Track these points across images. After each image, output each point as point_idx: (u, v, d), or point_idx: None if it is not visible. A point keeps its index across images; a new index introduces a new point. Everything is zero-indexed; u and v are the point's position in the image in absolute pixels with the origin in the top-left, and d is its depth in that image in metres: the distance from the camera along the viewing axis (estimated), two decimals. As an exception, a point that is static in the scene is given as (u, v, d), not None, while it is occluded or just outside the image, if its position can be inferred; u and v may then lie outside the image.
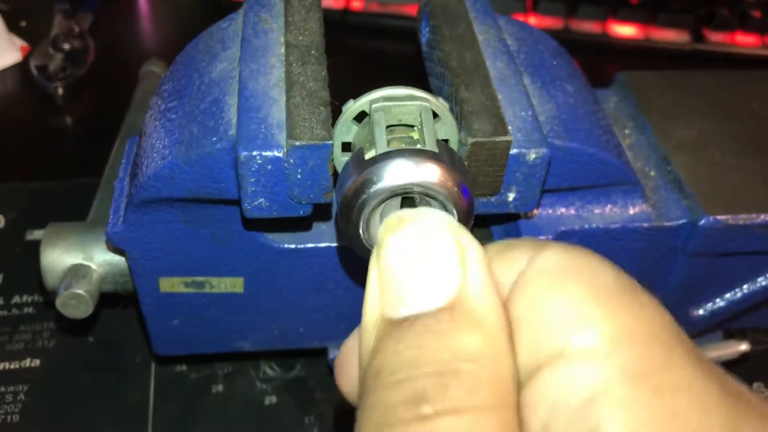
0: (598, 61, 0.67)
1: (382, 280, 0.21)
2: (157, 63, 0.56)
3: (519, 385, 0.20)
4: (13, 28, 0.67)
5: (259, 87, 0.30)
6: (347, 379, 0.24)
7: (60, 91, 0.61)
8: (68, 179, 0.55)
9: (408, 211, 0.22)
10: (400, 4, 0.70)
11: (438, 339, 0.19)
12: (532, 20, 0.70)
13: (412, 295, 0.20)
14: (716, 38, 0.71)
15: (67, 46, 0.63)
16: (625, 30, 0.71)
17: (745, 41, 0.71)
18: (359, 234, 0.26)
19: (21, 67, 0.65)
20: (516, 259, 0.22)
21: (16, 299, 0.48)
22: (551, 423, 0.19)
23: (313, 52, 0.31)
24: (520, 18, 0.68)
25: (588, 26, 0.71)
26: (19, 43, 0.66)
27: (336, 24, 0.70)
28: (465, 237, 0.21)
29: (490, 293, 0.20)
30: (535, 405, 0.19)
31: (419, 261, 0.20)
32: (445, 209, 0.26)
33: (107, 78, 0.64)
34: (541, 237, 0.34)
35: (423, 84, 0.30)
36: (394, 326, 0.20)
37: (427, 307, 0.19)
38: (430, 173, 0.25)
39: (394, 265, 0.21)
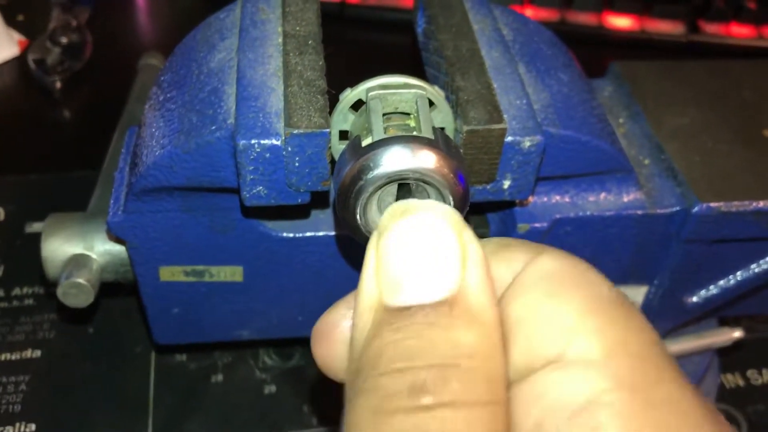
0: (594, 53, 0.68)
1: (380, 265, 0.21)
2: (155, 56, 0.56)
3: (508, 384, 0.20)
4: (10, 22, 0.67)
5: (257, 76, 0.31)
6: (326, 352, 0.24)
7: (58, 84, 0.62)
8: (67, 172, 0.55)
9: (415, 201, 0.22)
10: (396, -3, 0.70)
11: (439, 332, 0.19)
12: (528, 12, 0.71)
13: (411, 285, 0.20)
14: (711, 29, 0.72)
15: (64, 40, 0.63)
16: (620, 22, 0.72)
17: (740, 32, 0.72)
18: (356, 220, 0.26)
19: (19, 61, 0.65)
20: (512, 261, 0.22)
21: (16, 291, 0.48)
22: (545, 423, 0.19)
23: (310, 42, 0.32)
24: (517, 10, 0.68)
25: (584, 18, 0.71)
26: (17, 37, 0.66)
27: (333, 17, 0.70)
28: (467, 234, 0.21)
29: (487, 292, 0.20)
30: (528, 405, 0.20)
31: (421, 252, 0.20)
32: (441, 196, 0.26)
33: (105, 71, 0.64)
34: (536, 224, 0.35)
35: (419, 75, 0.30)
36: (392, 314, 0.20)
37: (427, 299, 0.20)
38: (426, 160, 0.25)
39: (396, 252, 0.21)
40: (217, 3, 0.36)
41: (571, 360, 0.19)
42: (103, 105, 0.61)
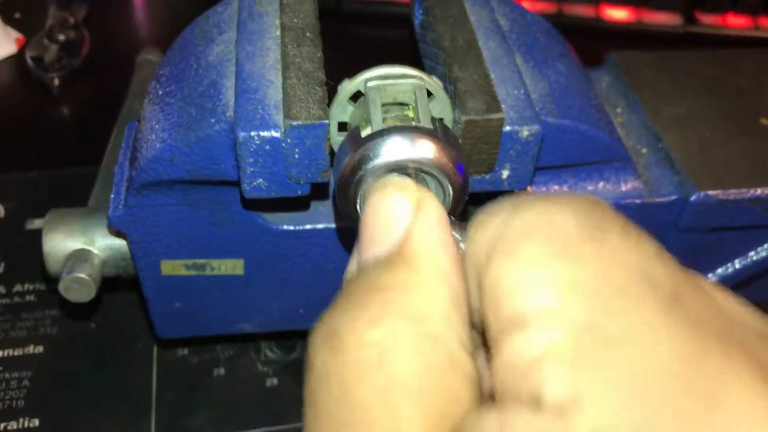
0: (592, 45, 0.68)
1: (359, 238, 0.23)
2: (153, 52, 0.56)
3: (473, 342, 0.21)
4: (7, 19, 0.67)
5: (256, 69, 0.31)
6: None
7: (56, 81, 0.62)
8: (66, 168, 0.55)
9: (381, 180, 0.25)
10: (393, -9, 0.70)
11: (375, 276, 0.21)
12: (526, 4, 0.71)
13: (372, 244, 0.23)
14: (708, 20, 0.72)
15: (62, 37, 0.63)
16: (617, 13, 0.72)
17: (736, 23, 0.72)
18: (356, 211, 0.27)
19: (17, 59, 0.65)
20: (493, 224, 0.22)
21: (17, 287, 0.48)
22: (505, 385, 0.18)
23: (308, 34, 0.32)
24: (514, 1, 0.68)
25: (581, 10, 0.71)
26: (14, 34, 0.66)
27: (331, 11, 0.70)
28: (425, 197, 0.23)
29: (425, 239, 0.22)
30: (495, 370, 0.19)
31: (380, 218, 0.23)
32: (441, 185, 0.26)
33: (103, 68, 0.64)
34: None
35: (417, 67, 0.31)
36: (352, 274, 0.23)
37: (377, 254, 0.22)
38: (425, 150, 0.25)
39: (364, 222, 0.23)
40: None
41: (529, 316, 0.18)
42: (101, 101, 0.61)
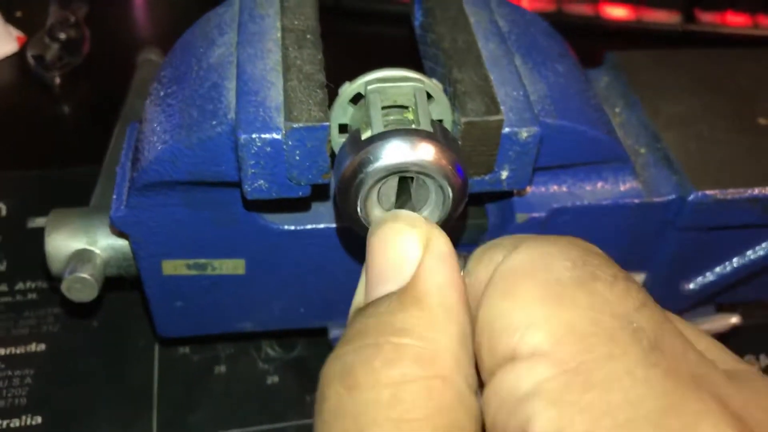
0: (591, 44, 0.68)
1: (366, 271, 0.24)
2: (154, 51, 0.56)
3: (472, 378, 0.21)
4: (9, 18, 0.67)
5: (257, 71, 0.31)
6: None
7: (57, 80, 0.62)
8: (67, 167, 0.56)
9: (389, 213, 0.25)
10: (393, -11, 0.70)
11: (384, 316, 0.21)
12: (525, 3, 0.71)
13: (377, 283, 0.23)
14: (707, 18, 0.72)
15: (63, 36, 0.63)
16: (616, 12, 0.72)
17: (735, 21, 0.72)
18: (357, 213, 0.27)
19: (18, 58, 0.65)
20: (492, 261, 0.23)
21: (20, 285, 0.48)
22: (497, 419, 0.20)
23: (308, 36, 0.32)
24: (513, 1, 0.68)
25: (580, 8, 0.72)
26: (15, 33, 0.67)
27: (330, 10, 0.71)
28: (434, 234, 0.23)
29: (436, 278, 0.22)
30: (488, 404, 0.20)
31: (390, 253, 0.23)
32: (441, 187, 0.27)
33: (104, 66, 0.65)
34: (534, 214, 0.35)
35: (417, 68, 0.31)
36: (361, 308, 0.23)
37: (387, 290, 0.22)
38: (425, 152, 0.25)
39: (372, 257, 0.24)
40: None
41: (522, 353, 0.20)
42: (102, 100, 0.61)
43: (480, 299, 0.22)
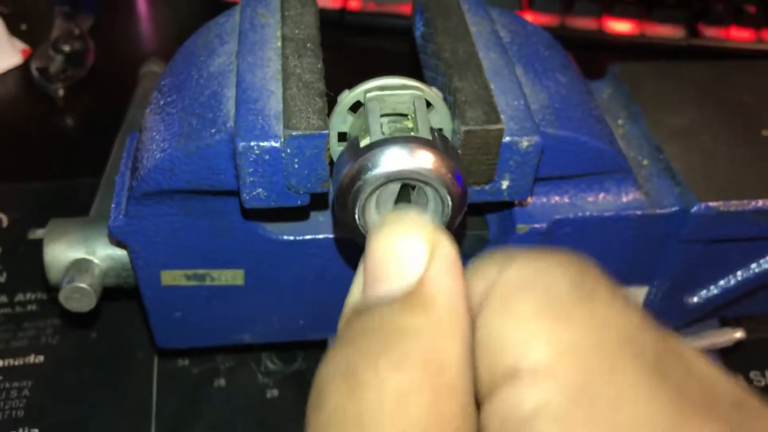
0: (594, 58, 0.68)
1: (365, 269, 0.23)
2: (157, 63, 0.57)
3: (471, 391, 0.21)
4: (13, 31, 0.67)
5: (257, 79, 0.31)
6: None
7: (61, 92, 0.62)
8: (70, 179, 0.56)
9: (395, 214, 0.24)
10: (396, 4, 0.71)
11: (379, 319, 0.21)
12: (529, 17, 0.71)
13: (379, 280, 0.22)
14: (711, 33, 0.72)
15: (67, 48, 0.64)
16: (620, 26, 0.72)
17: (739, 36, 0.72)
18: (355, 220, 0.27)
19: (22, 70, 0.65)
20: (487, 276, 0.22)
21: (19, 297, 0.48)
22: None
23: (309, 45, 0.32)
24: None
25: (583, 23, 0.72)
26: (20, 45, 0.67)
27: (334, 24, 0.71)
28: (440, 239, 0.22)
29: (442, 282, 0.21)
30: (489, 422, 0.20)
31: (396, 252, 0.22)
32: (439, 196, 0.26)
33: (108, 79, 0.65)
34: (535, 225, 0.35)
35: (418, 78, 0.31)
36: (360, 307, 0.22)
37: (390, 291, 0.21)
38: (424, 160, 0.25)
39: (375, 255, 0.23)
40: (217, 11, 0.37)
41: (523, 371, 0.19)
42: (105, 112, 0.61)
43: (476, 314, 0.21)
